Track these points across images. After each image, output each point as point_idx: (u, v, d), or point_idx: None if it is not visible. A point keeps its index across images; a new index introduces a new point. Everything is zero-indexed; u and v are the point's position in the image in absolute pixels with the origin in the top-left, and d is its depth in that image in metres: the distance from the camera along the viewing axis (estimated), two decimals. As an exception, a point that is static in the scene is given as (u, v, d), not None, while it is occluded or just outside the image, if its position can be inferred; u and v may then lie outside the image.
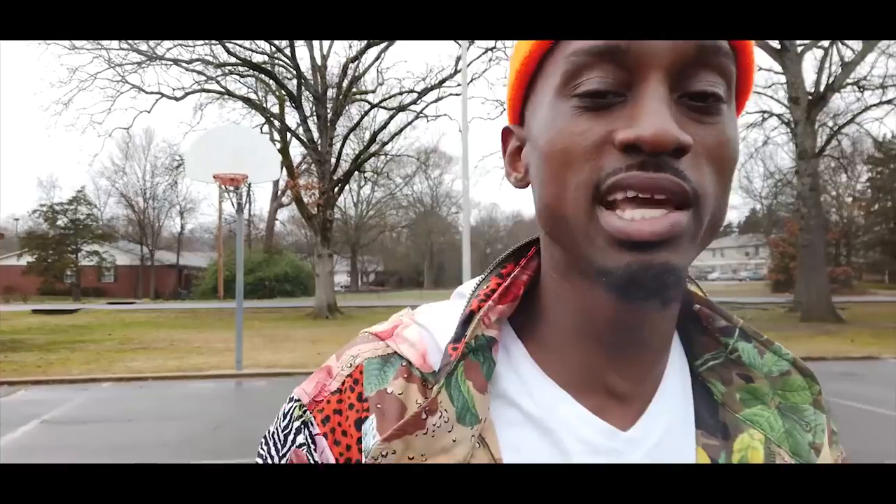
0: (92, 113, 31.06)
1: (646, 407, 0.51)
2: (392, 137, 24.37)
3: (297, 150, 24.83)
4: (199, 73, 21.27)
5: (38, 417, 7.22)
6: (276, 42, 20.67)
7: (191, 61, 20.58)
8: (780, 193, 35.68)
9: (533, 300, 0.54)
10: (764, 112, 22.36)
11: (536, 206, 0.50)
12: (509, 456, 0.49)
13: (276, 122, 22.30)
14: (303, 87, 20.91)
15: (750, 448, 0.52)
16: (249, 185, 12.40)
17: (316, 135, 21.15)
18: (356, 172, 24.24)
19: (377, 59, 22.21)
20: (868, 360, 11.08)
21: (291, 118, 22.25)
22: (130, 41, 18.95)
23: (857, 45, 18.25)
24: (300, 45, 21.58)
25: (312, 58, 22.04)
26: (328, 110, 21.27)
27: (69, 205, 40.96)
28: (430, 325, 0.54)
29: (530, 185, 0.51)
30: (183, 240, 51.06)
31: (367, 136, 23.84)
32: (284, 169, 20.82)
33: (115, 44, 19.50)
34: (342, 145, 21.77)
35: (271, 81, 21.62)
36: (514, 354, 0.53)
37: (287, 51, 20.78)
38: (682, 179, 0.43)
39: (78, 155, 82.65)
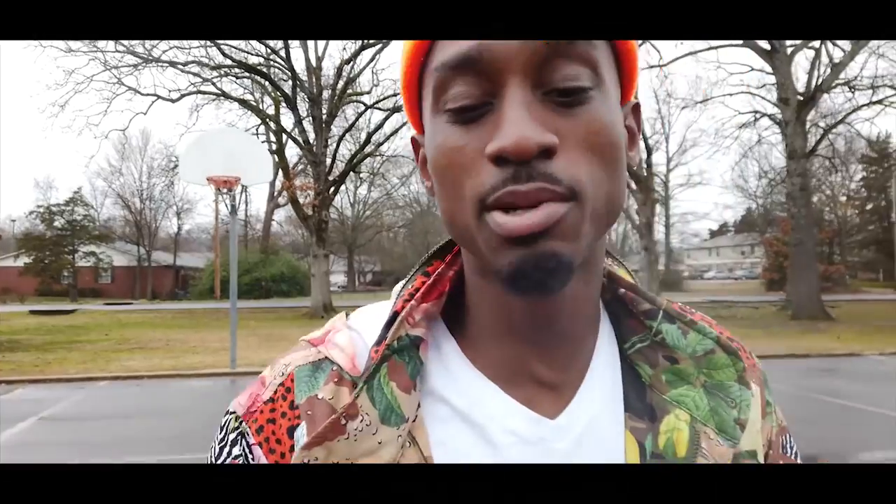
0: (88, 115, 31.18)
1: (574, 394, 0.52)
2: (387, 138, 24.54)
3: (292, 151, 24.97)
4: (195, 74, 21.41)
5: (36, 415, 7.38)
6: (271, 44, 20.82)
7: (186, 63, 20.71)
8: (775, 193, 35.94)
9: (462, 296, 0.55)
10: (756, 112, 22.58)
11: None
12: (438, 451, 0.49)
13: (272, 124, 22.43)
14: (298, 89, 21.05)
15: (675, 429, 0.52)
16: (244, 187, 12.54)
17: (311, 136, 21.29)
18: (352, 173, 24.36)
19: (372, 60, 22.37)
20: (851, 356, 11.27)
21: (287, 119, 22.39)
22: (126, 43, 19.07)
23: (847, 45, 18.45)
24: (295, 46, 21.76)
25: (307, 59, 22.19)
26: (323, 111, 21.40)
27: (66, 206, 41.01)
28: (360, 327, 0.55)
29: None
30: (180, 240, 51.09)
31: (363, 136, 23.94)
32: (280, 170, 20.99)
33: (110, 45, 19.64)
34: (337, 146, 21.86)
35: (267, 83, 21.75)
36: (445, 351, 0.53)
37: (282, 52, 20.92)
38: (552, 183, 0.44)
39: (74, 156, 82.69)
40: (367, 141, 23.23)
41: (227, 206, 10.35)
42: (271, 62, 21.93)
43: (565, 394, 0.52)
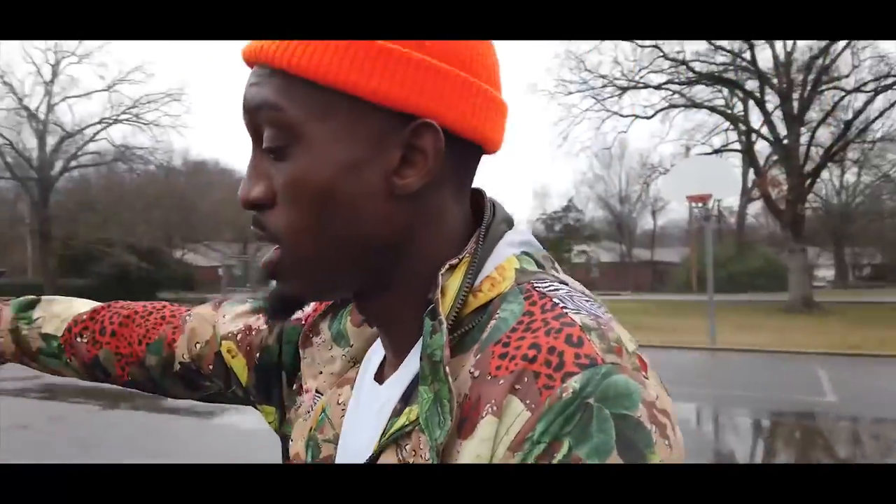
0: (582, 140, 36.59)
1: (394, 372, 0.57)
2: (873, 120, 22.60)
3: (762, 146, 25.24)
4: (666, 89, 23.98)
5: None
6: (735, 47, 21.84)
7: (659, 86, 23.48)
8: None
9: None
10: None
11: None
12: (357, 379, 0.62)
13: (741, 125, 23.34)
14: (766, 87, 21.51)
15: (408, 420, 0.50)
16: (717, 201, 15.31)
17: (782, 131, 21.46)
18: (832, 161, 23.30)
19: (848, 44, 21.13)
20: None
21: (755, 117, 23.00)
22: (607, 74, 22.75)
23: None
24: (760, 45, 22.21)
25: (775, 56, 22.37)
26: (794, 105, 21.32)
27: (563, 212, 49.10)
28: None
29: None
30: (655, 237, 54.88)
31: (843, 123, 22.67)
32: (751, 168, 21.79)
33: (599, 83, 23.78)
34: (811, 137, 21.44)
35: (733, 87, 22.82)
36: None
37: (747, 55, 21.73)
38: (260, 229, 0.53)
39: (568, 172, 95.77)
40: (847, 127, 21.95)
41: (700, 215, 12.98)
42: (737, 66, 22.90)
43: (395, 371, 0.57)
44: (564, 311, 0.48)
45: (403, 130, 0.51)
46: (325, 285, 0.55)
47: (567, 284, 0.54)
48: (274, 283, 0.55)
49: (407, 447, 0.50)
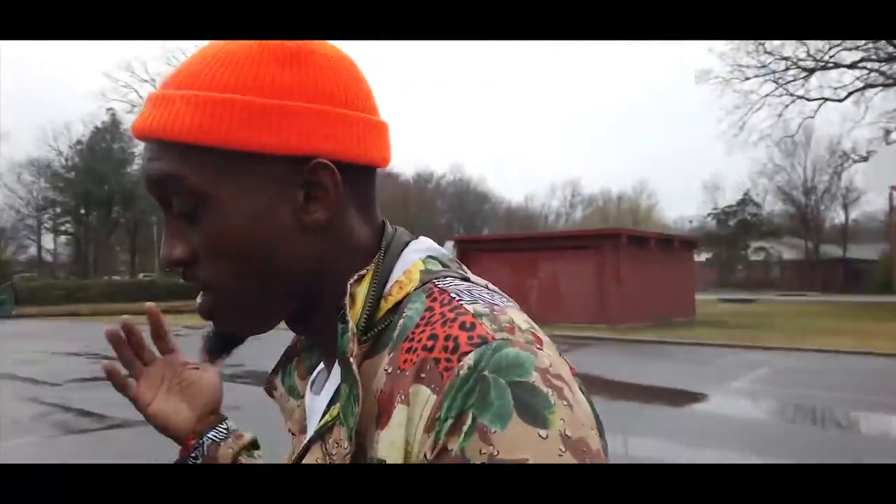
0: (761, 128, 34.07)
1: (327, 380, 0.63)
2: None
3: None
4: (861, 68, 21.65)
5: (753, 371, 10.32)
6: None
7: (852, 65, 21.26)
8: None
9: None
10: None
11: None
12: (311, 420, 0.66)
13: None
14: None
15: (331, 416, 0.57)
16: None
17: None
18: None
19: None
20: None
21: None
22: (792, 56, 20.87)
23: None
24: None
25: None
26: None
27: (737, 206, 45.88)
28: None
29: None
30: (848, 231, 49.45)
31: None
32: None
33: (781, 65, 22.06)
34: None
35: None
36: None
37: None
38: (192, 280, 0.58)
39: (739, 162, 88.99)
40: None
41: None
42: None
43: (328, 380, 0.63)
44: (460, 303, 0.53)
45: (301, 172, 0.56)
46: (257, 320, 0.60)
47: (469, 280, 0.59)
48: (211, 324, 0.61)
49: (329, 440, 0.55)
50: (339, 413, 0.54)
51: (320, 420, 0.58)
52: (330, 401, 0.59)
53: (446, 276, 0.58)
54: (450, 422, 0.46)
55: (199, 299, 0.59)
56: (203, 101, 0.54)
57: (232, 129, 0.54)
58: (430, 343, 0.50)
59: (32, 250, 51.23)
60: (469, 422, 0.46)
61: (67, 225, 48.63)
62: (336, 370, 0.60)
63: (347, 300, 0.55)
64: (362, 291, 0.57)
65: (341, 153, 0.57)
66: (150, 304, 0.78)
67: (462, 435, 0.46)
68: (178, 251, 0.58)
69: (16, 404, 8.04)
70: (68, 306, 28.53)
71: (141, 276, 40.31)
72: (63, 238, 50.19)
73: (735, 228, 45.27)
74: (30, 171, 45.98)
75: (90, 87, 75.23)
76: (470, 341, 0.49)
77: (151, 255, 44.75)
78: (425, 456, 0.47)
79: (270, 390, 0.74)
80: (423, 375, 0.49)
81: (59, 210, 47.54)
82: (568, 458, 0.45)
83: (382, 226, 0.63)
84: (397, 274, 0.59)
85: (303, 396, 0.70)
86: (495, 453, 0.45)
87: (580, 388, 0.51)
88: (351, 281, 0.57)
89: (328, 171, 0.56)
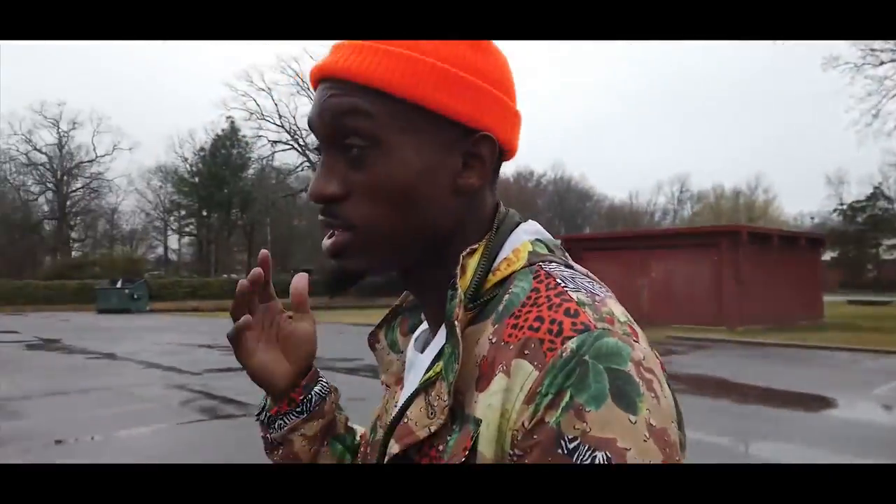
0: None
1: (433, 337, 0.68)
2: None
3: None
4: None
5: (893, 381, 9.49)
6: None
7: None
8: None
9: None
10: None
11: None
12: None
13: None
14: None
15: (434, 372, 0.61)
16: None
17: None
18: None
19: None
20: None
21: None
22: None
23: None
24: None
25: None
26: None
27: (867, 202, 42.33)
28: None
29: None
30: None
31: None
32: None
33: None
34: None
35: None
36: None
37: None
38: (333, 218, 0.63)
39: (867, 154, 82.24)
40: None
41: None
42: None
43: (433, 339, 0.68)
44: (565, 289, 0.57)
45: (466, 141, 0.62)
46: (387, 263, 0.65)
47: (572, 268, 0.63)
48: (335, 261, 0.64)
49: (432, 393, 0.59)
50: (441, 369, 0.59)
51: (424, 374, 0.63)
52: (434, 358, 0.64)
53: (552, 262, 0.62)
54: (549, 397, 0.51)
55: (326, 240, 0.63)
56: (406, 58, 0.60)
57: (427, 87, 0.60)
58: (536, 324, 0.55)
59: (160, 250, 55.38)
60: (567, 399, 0.50)
61: (191, 226, 52.05)
62: (441, 331, 0.64)
63: (458, 270, 0.61)
64: (472, 264, 0.63)
65: (499, 134, 0.64)
66: (264, 251, 0.75)
67: (559, 410, 0.50)
68: (333, 186, 0.62)
69: (166, 391, 8.67)
70: (193, 302, 30.68)
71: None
72: (186, 239, 53.86)
73: (864, 225, 41.84)
74: (158, 176, 49.74)
75: (213, 97, 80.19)
76: (574, 327, 0.53)
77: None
78: (523, 424, 0.52)
79: (373, 343, 0.79)
80: (526, 352, 0.54)
81: (183, 213, 51.00)
82: (650, 445, 0.49)
83: (496, 205, 0.68)
84: (506, 251, 0.64)
85: (402, 351, 0.76)
86: (588, 430, 0.49)
87: (667, 383, 0.55)
88: (464, 253, 0.62)
89: (489, 145, 0.63)
